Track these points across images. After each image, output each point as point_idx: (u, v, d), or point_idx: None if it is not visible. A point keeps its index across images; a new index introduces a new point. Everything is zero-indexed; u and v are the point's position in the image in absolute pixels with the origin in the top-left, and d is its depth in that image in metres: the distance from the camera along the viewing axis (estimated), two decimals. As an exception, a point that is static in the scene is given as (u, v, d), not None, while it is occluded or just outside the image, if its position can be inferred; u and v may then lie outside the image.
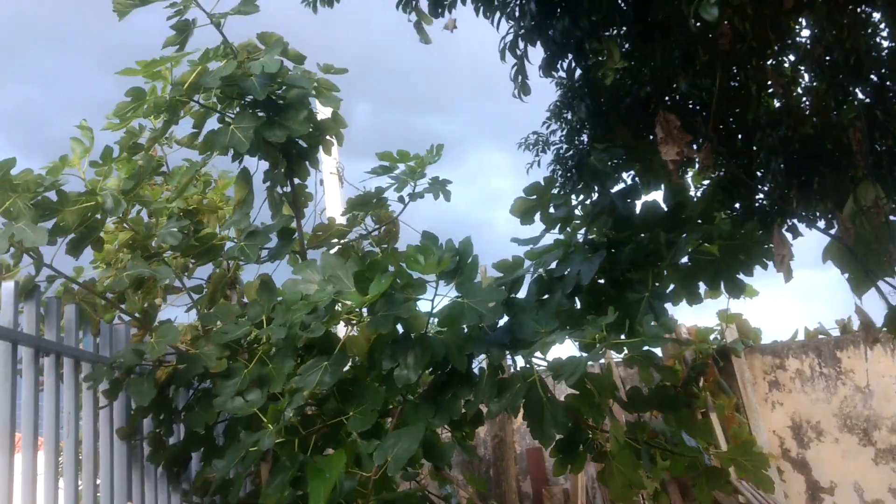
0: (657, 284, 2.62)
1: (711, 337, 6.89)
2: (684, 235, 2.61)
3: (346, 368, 2.68)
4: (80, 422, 2.96)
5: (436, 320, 2.53)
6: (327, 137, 3.47)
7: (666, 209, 2.81)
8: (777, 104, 3.46)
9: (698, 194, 3.19)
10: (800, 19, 3.29)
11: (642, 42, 2.99)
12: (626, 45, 3.23)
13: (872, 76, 3.26)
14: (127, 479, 3.09)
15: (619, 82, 3.19)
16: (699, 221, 2.79)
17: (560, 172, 3.24)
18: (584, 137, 3.33)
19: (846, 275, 2.96)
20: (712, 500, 2.61)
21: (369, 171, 3.26)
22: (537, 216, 2.94)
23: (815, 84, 3.38)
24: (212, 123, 3.27)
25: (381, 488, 2.35)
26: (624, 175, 3.36)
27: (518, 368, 2.57)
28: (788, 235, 3.03)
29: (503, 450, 6.69)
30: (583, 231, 2.96)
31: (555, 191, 2.96)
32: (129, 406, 3.16)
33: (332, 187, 7.17)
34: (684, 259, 2.71)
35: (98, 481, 2.99)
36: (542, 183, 2.90)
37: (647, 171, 3.17)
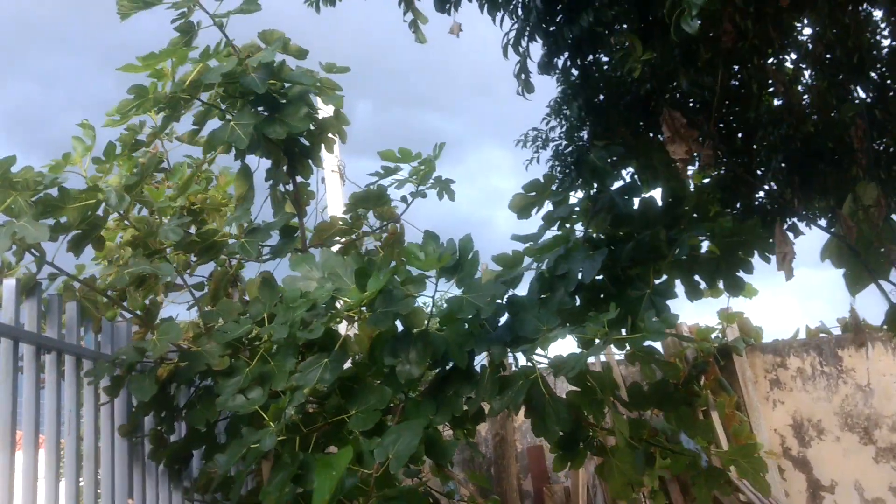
0: (658, 281, 2.62)
1: (713, 336, 6.88)
2: (685, 233, 2.61)
3: (349, 366, 2.69)
4: (82, 419, 2.96)
5: (437, 318, 2.53)
6: (329, 135, 3.47)
7: (662, 205, 2.82)
8: (778, 102, 3.46)
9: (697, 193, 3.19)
10: (801, 18, 3.29)
11: (644, 40, 2.99)
12: (626, 43, 3.23)
13: (873, 75, 3.26)
14: (128, 476, 3.09)
15: (619, 79, 3.18)
16: (695, 216, 2.79)
17: (559, 169, 3.24)
18: (584, 134, 3.32)
19: (843, 272, 2.97)
20: (712, 499, 2.61)
21: (372, 174, 3.26)
22: (535, 211, 2.94)
23: (816, 83, 3.38)
24: (215, 123, 3.28)
25: (383, 485, 2.35)
26: (623, 173, 3.36)
27: (519, 366, 2.57)
28: (790, 234, 3.03)
29: (504, 448, 6.69)
30: (581, 227, 2.97)
31: (553, 187, 2.96)
32: (130, 403, 3.16)
33: (333, 185, 7.17)
34: (685, 256, 2.71)
35: (99, 479, 3.00)
36: (542, 180, 2.90)
37: (646, 169, 3.17)
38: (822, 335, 6.87)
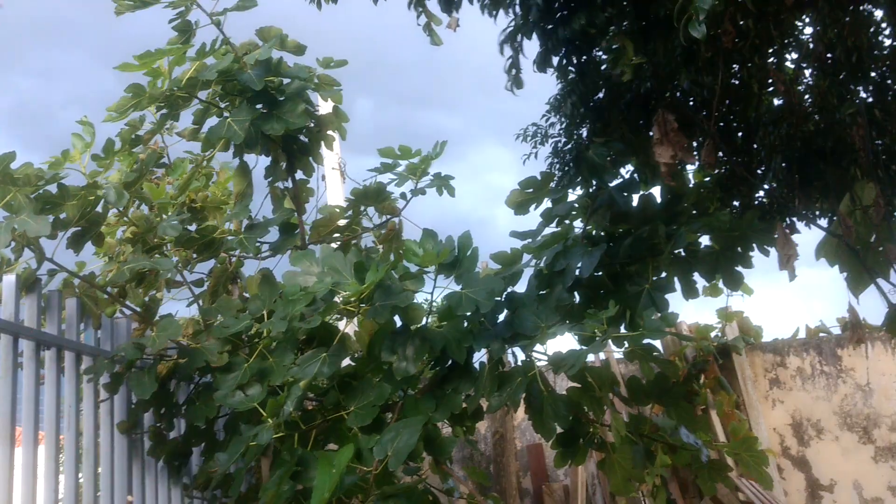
0: (657, 277, 2.62)
1: (712, 335, 6.89)
2: (683, 228, 2.61)
3: (348, 363, 2.69)
4: (81, 415, 2.96)
5: (436, 314, 2.54)
6: (328, 132, 3.46)
7: (662, 201, 2.82)
8: (778, 102, 3.46)
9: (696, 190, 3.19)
10: (802, 17, 3.29)
11: (644, 39, 2.99)
12: (615, 46, 3.22)
13: (874, 74, 3.26)
14: (127, 472, 3.09)
15: (619, 78, 3.19)
16: (694, 212, 2.79)
17: (558, 166, 3.24)
18: (584, 132, 3.33)
19: (844, 273, 2.97)
20: (716, 491, 2.62)
21: (371, 170, 3.26)
22: (533, 208, 2.95)
23: (816, 82, 3.38)
24: (214, 121, 3.28)
25: (383, 483, 2.35)
26: (623, 170, 3.37)
27: (519, 363, 2.58)
28: (791, 234, 3.03)
29: (503, 446, 6.70)
30: (580, 224, 2.97)
31: (553, 185, 2.96)
32: (129, 400, 3.17)
33: (334, 183, 7.17)
34: (683, 252, 2.71)
35: (98, 475, 3.00)
36: (539, 177, 2.90)
37: (646, 167, 3.17)
38: (821, 335, 6.87)
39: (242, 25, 3.25)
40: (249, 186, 3.26)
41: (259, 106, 3.09)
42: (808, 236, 3.19)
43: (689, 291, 2.63)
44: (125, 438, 3.11)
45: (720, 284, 2.72)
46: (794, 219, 3.21)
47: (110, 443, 3.06)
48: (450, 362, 2.60)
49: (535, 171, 3.05)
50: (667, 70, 3.12)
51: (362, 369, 2.71)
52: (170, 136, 3.62)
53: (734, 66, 3.29)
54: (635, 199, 2.83)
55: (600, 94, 3.26)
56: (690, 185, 3.12)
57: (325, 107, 3.56)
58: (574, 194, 2.97)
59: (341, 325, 2.95)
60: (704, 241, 2.77)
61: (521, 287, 2.82)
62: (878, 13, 3.26)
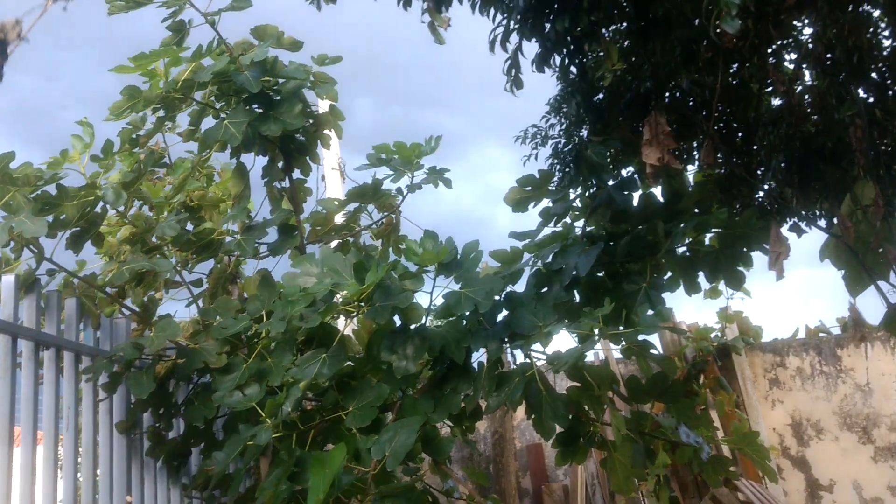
0: (655, 275, 2.62)
1: (712, 335, 6.89)
2: (682, 225, 2.61)
3: (346, 363, 2.69)
4: (80, 415, 2.96)
5: (433, 313, 2.53)
6: (325, 131, 3.46)
7: (662, 200, 2.82)
8: (778, 102, 3.46)
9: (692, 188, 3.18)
10: (801, 17, 3.28)
11: (643, 39, 2.99)
12: (627, 42, 3.22)
13: (873, 75, 3.25)
14: (126, 472, 3.09)
15: (619, 78, 3.18)
16: (696, 211, 2.79)
17: (558, 167, 3.24)
18: (584, 133, 3.32)
19: (843, 273, 2.96)
20: (711, 497, 2.63)
21: (365, 164, 3.25)
22: (532, 206, 2.94)
23: (816, 82, 3.37)
24: (211, 121, 3.27)
25: (382, 483, 2.35)
26: (623, 171, 3.36)
27: (518, 363, 2.58)
28: (792, 234, 3.03)
29: (503, 446, 6.70)
30: (581, 224, 2.96)
31: (552, 186, 2.96)
32: (128, 400, 3.17)
33: (333, 183, 7.17)
34: (683, 249, 2.71)
35: (97, 475, 3.00)
36: (537, 175, 2.90)
37: (645, 166, 3.16)
38: (821, 335, 6.87)
39: (238, 24, 3.24)
40: (247, 188, 3.26)
41: (255, 106, 3.09)
42: (808, 237, 3.19)
43: (691, 288, 2.63)
44: (124, 438, 3.11)
45: (721, 286, 2.72)
46: (795, 219, 3.20)
47: (109, 443, 3.06)
48: (448, 362, 2.60)
49: (536, 172, 3.04)
50: (666, 70, 3.11)
51: (361, 369, 2.71)
52: (172, 135, 3.62)
53: (734, 66, 3.28)
54: (636, 198, 2.83)
55: (600, 95, 3.25)
56: (690, 186, 3.11)
57: (321, 105, 3.55)
58: (574, 193, 2.97)
59: (340, 324, 2.95)
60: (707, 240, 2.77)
61: (520, 285, 2.83)
62: (878, 13, 3.25)
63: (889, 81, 3.26)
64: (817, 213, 3.34)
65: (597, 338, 2.29)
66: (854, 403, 6.38)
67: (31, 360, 2.73)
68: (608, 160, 2.92)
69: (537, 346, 2.46)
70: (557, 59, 2.96)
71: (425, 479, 2.82)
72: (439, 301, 2.57)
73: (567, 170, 3.10)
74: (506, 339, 2.55)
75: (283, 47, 3.24)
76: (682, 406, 2.66)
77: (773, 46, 3.25)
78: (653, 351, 2.50)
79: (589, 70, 3.10)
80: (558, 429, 2.53)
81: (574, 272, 2.57)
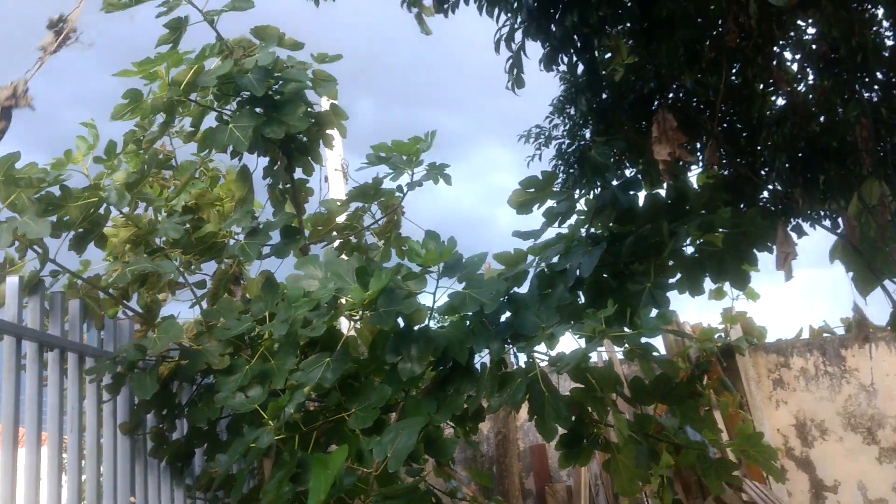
0: (660, 276, 2.61)
1: (716, 336, 6.87)
2: (684, 226, 2.60)
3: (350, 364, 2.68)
4: (84, 416, 2.97)
5: (437, 315, 2.53)
6: (328, 131, 3.45)
7: (668, 201, 2.81)
8: (782, 102, 3.44)
9: (700, 190, 3.17)
10: (805, 17, 3.27)
11: (647, 39, 2.98)
12: (631, 42, 3.21)
13: (878, 74, 3.24)
14: (130, 473, 3.09)
15: (623, 79, 3.18)
16: (703, 212, 2.78)
17: (562, 168, 3.23)
18: (587, 133, 3.32)
19: (851, 273, 2.95)
20: (715, 499, 2.62)
21: (364, 163, 3.25)
22: (535, 207, 2.93)
23: (820, 82, 3.36)
24: (210, 120, 3.27)
25: (385, 484, 2.35)
26: (628, 172, 3.35)
27: (521, 364, 2.57)
28: (793, 234, 3.02)
29: (506, 446, 6.69)
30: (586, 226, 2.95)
31: (556, 187, 2.95)
32: (132, 401, 3.17)
33: (336, 184, 7.17)
34: (690, 250, 2.70)
35: (101, 476, 3.00)
36: (540, 177, 2.89)
37: (650, 167, 3.16)
38: (825, 335, 6.85)
39: (235, 21, 3.24)
40: (251, 191, 3.26)
41: (257, 108, 3.08)
42: (812, 237, 3.18)
43: (696, 289, 2.62)
44: (128, 439, 3.12)
45: (726, 287, 2.71)
46: (799, 219, 3.19)
47: (113, 444, 3.06)
48: (451, 363, 2.59)
49: (539, 172, 3.03)
50: (670, 70, 3.11)
51: (364, 369, 2.70)
52: (179, 138, 3.62)
53: (737, 66, 3.27)
54: (641, 198, 2.82)
55: (604, 95, 3.24)
56: (695, 187, 3.10)
57: (323, 104, 3.55)
58: (578, 195, 2.96)
59: (343, 324, 2.95)
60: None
61: (524, 287, 2.82)
62: (881, 12, 3.24)
63: (894, 80, 3.25)
64: (822, 212, 3.33)
65: (598, 339, 2.28)
66: (858, 404, 6.36)
67: (36, 361, 2.74)
68: (612, 161, 2.91)
69: (540, 347, 2.45)
70: (564, 59, 2.96)
71: (428, 479, 2.82)
72: (442, 302, 2.57)
73: (571, 170, 3.10)
74: (509, 340, 2.54)
75: (285, 48, 3.23)
76: (687, 408, 2.65)
77: (778, 46, 3.24)
78: (655, 353, 2.49)
79: (598, 67, 3.09)
80: (561, 430, 2.53)
81: (577, 273, 2.57)
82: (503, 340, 2.51)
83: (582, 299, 2.73)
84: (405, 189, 3.33)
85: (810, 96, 3.43)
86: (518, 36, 2.90)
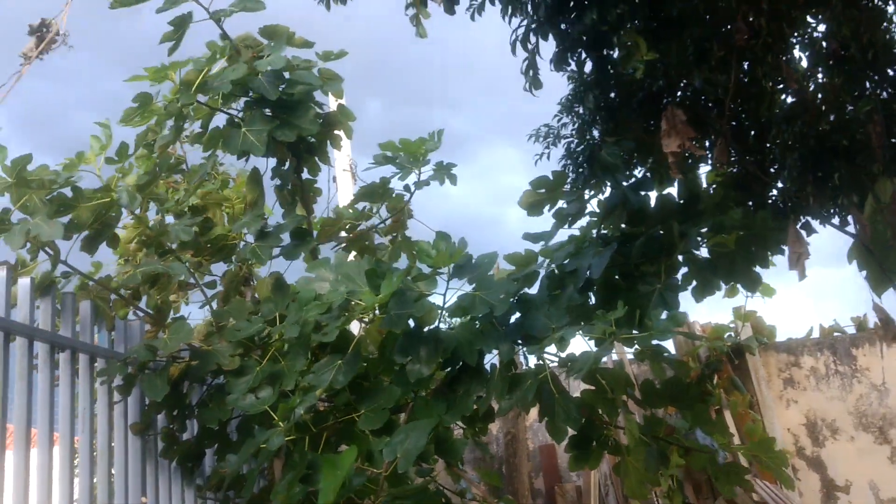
0: (670, 277, 2.60)
1: (726, 335, 6.84)
2: (696, 227, 2.59)
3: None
4: (95, 417, 2.98)
5: (447, 315, 2.53)
6: (335, 132, 3.45)
7: (680, 201, 2.80)
8: (792, 100, 3.42)
9: (712, 191, 3.16)
10: (815, 14, 3.25)
11: (656, 38, 2.97)
12: (629, 42, 3.20)
13: (889, 71, 3.22)
14: (141, 473, 3.11)
15: (631, 77, 3.17)
16: (715, 213, 2.77)
17: (571, 167, 3.22)
18: (596, 132, 3.30)
19: (864, 272, 2.93)
20: (735, 494, 2.60)
21: (371, 164, 3.25)
22: (546, 208, 2.93)
23: (830, 79, 3.34)
24: (217, 120, 3.28)
25: (395, 484, 2.35)
26: (637, 172, 3.34)
27: (532, 365, 2.57)
28: (803, 233, 3.00)
29: (515, 446, 6.68)
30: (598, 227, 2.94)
31: (566, 187, 2.94)
32: (143, 401, 3.18)
33: (344, 184, 7.18)
34: (701, 252, 2.68)
35: (113, 476, 3.02)
36: (551, 177, 2.88)
37: (660, 166, 3.15)
38: (836, 334, 6.81)
39: (247, 25, 3.24)
40: (262, 195, 3.26)
41: (266, 110, 3.09)
42: (822, 236, 3.16)
43: (707, 291, 2.61)
44: (139, 440, 3.13)
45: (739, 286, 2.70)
46: (809, 218, 3.17)
47: (124, 444, 3.08)
48: (461, 363, 2.59)
49: (548, 171, 3.02)
50: (679, 69, 3.09)
51: (374, 369, 2.70)
52: (190, 144, 3.63)
53: (746, 64, 3.26)
54: (652, 198, 2.81)
55: (612, 94, 3.23)
56: (703, 186, 3.09)
57: (330, 104, 3.55)
58: (587, 195, 2.95)
59: (353, 325, 2.95)
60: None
61: (534, 288, 2.81)
62: (892, 8, 3.21)
63: (906, 77, 3.22)
64: (832, 211, 3.30)
65: (608, 341, 2.28)
66: (870, 403, 6.32)
67: (47, 362, 2.75)
68: (622, 160, 2.90)
69: (550, 349, 2.45)
70: (573, 58, 2.95)
71: (438, 479, 2.82)
72: (452, 303, 2.56)
73: (580, 170, 3.09)
74: (519, 341, 2.54)
75: (294, 46, 3.23)
76: (698, 411, 2.64)
77: (788, 43, 3.22)
78: (666, 354, 2.49)
79: (613, 65, 3.08)
80: (571, 431, 2.52)
81: (588, 274, 2.56)
82: (513, 341, 2.50)
83: (592, 300, 2.72)
84: (412, 189, 3.33)
85: (820, 94, 3.41)
86: (532, 36, 2.90)
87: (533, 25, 2.85)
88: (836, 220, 3.21)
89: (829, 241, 3.17)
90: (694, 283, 2.67)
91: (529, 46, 2.95)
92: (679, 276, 2.70)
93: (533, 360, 2.58)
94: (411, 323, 2.53)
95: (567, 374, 2.36)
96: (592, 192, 3.02)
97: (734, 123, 3.31)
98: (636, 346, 2.42)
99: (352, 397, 2.62)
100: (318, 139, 3.34)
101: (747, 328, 6.81)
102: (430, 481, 2.69)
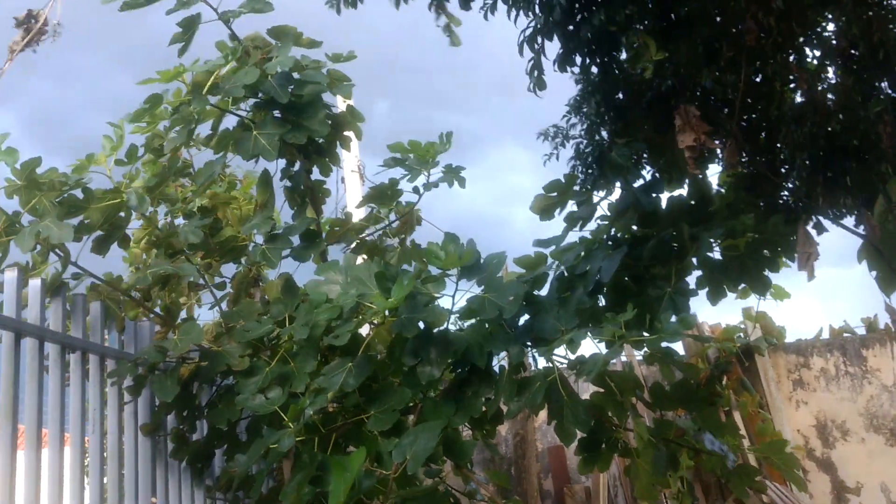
0: (681, 280, 2.59)
1: (737, 336, 6.81)
2: (707, 231, 2.57)
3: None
4: (106, 418, 2.99)
5: (456, 318, 2.53)
6: (345, 133, 3.45)
7: (692, 203, 2.78)
8: (802, 99, 3.41)
9: (723, 191, 3.15)
10: (825, 14, 3.24)
11: (666, 38, 2.96)
12: (636, 44, 3.19)
13: (901, 71, 3.20)
14: (151, 474, 3.12)
15: (640, 77, 3.16)
16: (727, 216, 2.75)
17: (580, 168, 3.22)
18: (605, 133, 3.30)
19: (874, 273, 2.92)
20: (748, 495, 2.59)
21: (381, 164, 3.25)
22: (557, 212, 2.92)
23: (840, 79, 3.33)
24: (227, 122, 3.28)
25: (403, 486, 2.35)
26: (646, 172, 3.34)
27: (541, 367, 2.56)
28: (813, 232, 2.99)
29: (525, 448, 6.67)
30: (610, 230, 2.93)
31: (576, 187, 2.93)
32: (153, 402, 3.20)
33: (353, 185, 7.18)
34: (712, 255, 2.67)
35: (123, 476, 3.03)
36: (563, 180, 2.87)
37: (670, 167, 3.14)
38: (846, 335, 6.77)
39: (255, 26, 3.24)
40: (272, 196, 3.27)
41: (276, 111, 3.09)
42: (831, 236, 3.15)
43: (718, 295, 2.60)
44: (149, 440, 3.14)
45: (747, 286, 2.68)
46: (820, 217, 3.16)
47: (134, 445, 3.09)
48: (469, 365, 2.59)
49: (557, 172, 3.02)
50: (689, 69, 3.09)
51: (384, 370, 2.71)
52: (197, 148, 3.64)
53: (757, 64, 3.25)
54: (663, 200, 2.79)
55: (620, 95, 3.23)
56: (714, 188, 3.07)
57: (339, 105, 3.55)
58: (597, 196, 2.94)
59: (363, 329, 2.95)
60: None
61: (544, 290, 2.80)
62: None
63: (916, 77, 3.20)
64: (843, 211, 3.29)
65: (618, 344, 2.27)
66: (881, 404, 6.28)
67: (58, 362, 2.77)
68: (632, 162, 2.90)
69: (560, 351, 2.44)
70: (578, 59, 2.95)
71: (447, 480, 2.82)
72: (461, 304, 2.56)
73: (590, 171, 3.09)
74: (528, 343, 2.53)
75: (302, 46, 3.23)
76: (707, 413, 2.63)
77: (797, 44, 3.21)
78: (676, 357, 2.47)
79: (614, 67, 3.08)
80: (580, 434, 2.51)
81: (598, 276, 2.55)
82: (522, 343, 2.50)
83: (602, 302, 2.71)
84: (421, 190, 3.32)
85: (829, 94, 3.40)
86: (539, 38, 2.90)
87: (542, 28, 2.85)
88: (846, 220, 3.20)
89: (837, 241, 3.16)
90: (706, 287, 2.65)
91: (535, 47, 2.96)
92: (690, 279, 2.69)
93: (542, 362, 2.58)
94: (421, 325, 2.53)
95: (576, 377, 2.35)
96: (602, 194, 3.02)
97: (744, 124, 3.30)
98: (645, 349, 2.40)
99: (361, 399, 2.62)
100: (327, 140, 3.34)
101: (757, 329, 6.78)
102: (440, 483, 2.69)
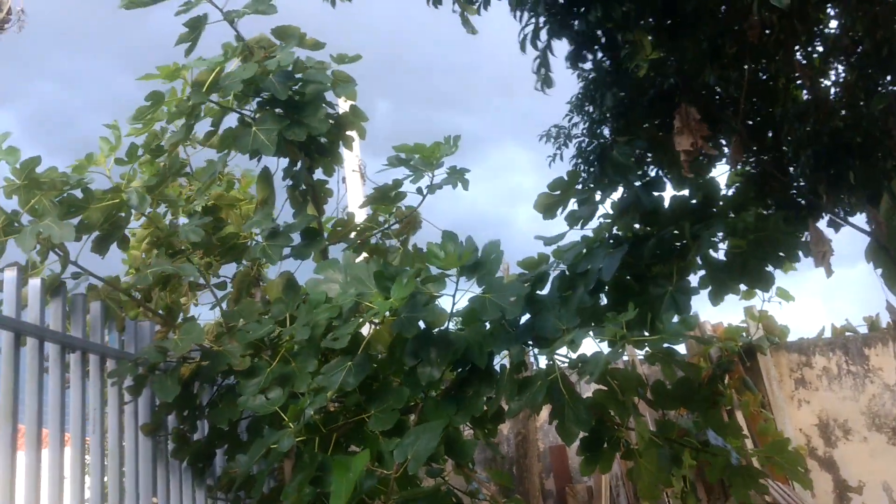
0: (682, 280, 2.58)
1: (739, 335, 6.80)
2: (709, 230, 2.56)
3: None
4: (106, 418, 2.99)
5: (458, 317, 2.51)
6: (347, 133, 3.44)
7: (693, 201, 2.77)
8: (806, 97, 3.39)
9: (731, 192, 3.13)
10: (828, 10, 3.22)
11: (670, 35, 2.95)
12: (650, 38, 3.18)
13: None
14: (152, 474, 3.11)
15: (644, 74, 3.15)
16: (731, 215, 2.74)
17: (583, 167, 3.20)
18: (607, 131, 3.28)
19: (879, 271, 2.91)
20: (749, 498, 2.57)
21: (385, 164, 3.24)
22: (560, 211, 2.90)
23: (844, 76, 3.31)
24: (229, 120, 3.28)
25: (404, 486, 2.34)
26: (651, 171, 3.31)
27: (542, 366, 2.55)
28: (829, 230, 2.98)
29: (526, 447, 6.66)
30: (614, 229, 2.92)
31: (578, 186, 2.92)
32: (153, 402, 3.19)
33: (354, 185, 7.18)
34: (715, 253, 2.66)
35: (124, 476, 3.02)
36: (566, 178, 2.86)
37: (673, 165, 3.12)
38: (848, 334, 6.76)
39: (257, 25, 3.24)
40: (272, 194, 3.26)
41: (278, 110, 3.08)
42: (833, 235, 3.13)
43: (722, 293, 2.58)
44: (149, 440, 3.13)
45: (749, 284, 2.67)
46: (830, 215, 3.14)
47: (135, 445, 3.08)
48: (470, 365, 2.58)
49: (561, 172, 3.00)
50: (692, 66, 3.07)
51: (384, 370, 2.69)
52: (192, 146, 3.63)
53: (760, 61, 3.23)
54: (666, 199, 2.78)
55: (622, 93, 3.21)
56: (722, 187, 3.06)
57: (342, 105, 3.54)
58: (599, 195, 2.93)
59: (363, 328, 2.94)
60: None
61: (545, 289, 2.79)
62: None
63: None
64: (848, 208, 3.27)
65: (619, 344, 2.26)
66: (883, 403, 6.27)
67: (58, 362, 2.76)
68: (634, 160, 2.88)
69: (561, 350, 2.43)
70: (589, 56, 2.93)
71: (449, 480, 2.80)
72: (461, 303, 2.55)
73: (592, 170, 3.07)
74: (529, 343, 2.52)
75: (305, 47, 3.23)
76: (709, 413, 2.61)
77: (800, 41, 3.19)
78: (676, 357, 2.46)
79: (622, 64, 3.06)
80: (582, 433, 2.50)
81: (599, 275, 2.54)
82: (523, 343, 2.49)
83: (603, 301, 2.70)
84: (425, 192, 3.31)
85: (833, 91, 3.38)
86: (543, 35, 2.88)
87: (544, 24, 2.83)
88: (854, 218, 3.18)
89: (839, 240, 3.14)
90: (709, 286, 2.64)
91: (540, 45, 2.94)
92: (692, 278, 2.67)
93: (543, 362, 2.57)
94: (421, 324, 2.51)
95: (578, 376, 2.34)
96: (604, 193, 3.00)
97: (749, 121, 3.28)
98: (647, 349, 2.39)
99: (362, 398, 2.61)
100: (330, 139, 3.34)
101: (759, 328, 6.77)
102: (441, 482, 2.68)
